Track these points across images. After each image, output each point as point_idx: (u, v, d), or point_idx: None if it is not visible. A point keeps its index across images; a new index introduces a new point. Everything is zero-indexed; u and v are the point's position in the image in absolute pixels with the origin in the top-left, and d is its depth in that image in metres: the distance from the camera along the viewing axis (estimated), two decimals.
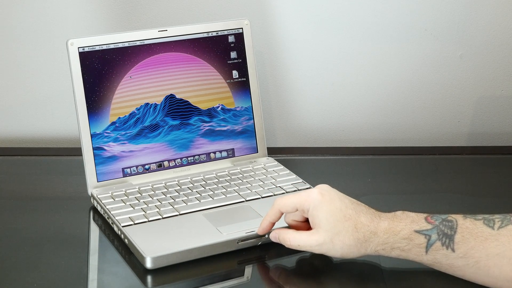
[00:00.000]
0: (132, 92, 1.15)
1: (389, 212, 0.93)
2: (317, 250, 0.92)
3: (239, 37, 1.22)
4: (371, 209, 0.93)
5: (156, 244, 0.97)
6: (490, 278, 0.87)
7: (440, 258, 0.89)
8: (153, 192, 1.12)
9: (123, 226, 1.02)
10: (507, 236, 0.86)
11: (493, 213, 0.90)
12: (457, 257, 0.88)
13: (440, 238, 0.88)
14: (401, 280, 0.95)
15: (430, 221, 0.90)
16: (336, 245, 0.91)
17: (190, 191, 1.12)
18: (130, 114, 1.15)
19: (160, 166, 1.17)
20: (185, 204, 1.08)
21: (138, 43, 1.15)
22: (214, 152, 1.21)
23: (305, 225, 0.96)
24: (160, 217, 1.05)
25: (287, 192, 1.12)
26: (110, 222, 1.05)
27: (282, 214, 0.97)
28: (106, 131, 1.14)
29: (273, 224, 0.97)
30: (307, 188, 1.12)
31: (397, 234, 0.90)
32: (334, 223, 0.91)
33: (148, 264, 0.94)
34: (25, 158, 1.33)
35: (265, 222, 0.97)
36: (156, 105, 1.17)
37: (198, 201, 1.09)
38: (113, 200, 1.09)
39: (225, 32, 1.21)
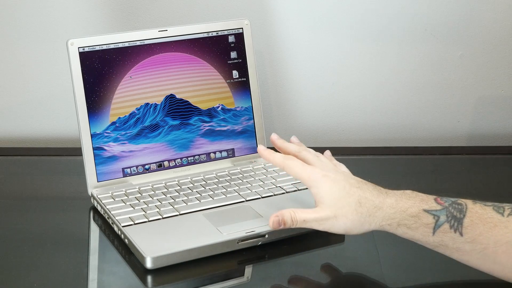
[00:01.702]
0: (132, 92, 1.15)
1: (399, 190, 0.92)
2: (322, 225, 0.92)
3: (239, 37, 1.22)
4: (378, 186, 0.93)
5: (156, 244, 0.97)
6: (497, 265, 0.86)
7: (447, 241, 0.88)
8: (153, 192, 1.12)
9: (123, 226, 1.02)
10: None
11: None
12: (464, 241, 0.87)
13: (449, 220, 0.88)
14: (401, 280, 0.95)
15: (439, 202, 0.90)
16: (340, 220, 0.90)
17: (190, 191, 1.12)
18: (130, 114, 1.16)
19: (160, 166, 1.17)
20: (185, 204, 1.08)
21: (138, 43, 1.15)
22: (214, 152, 1.21)
23: None
24: (160, 217, 1.05)
25: (287, 192, 1.11)
26: (110, 222, 1.05)
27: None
28: (106, 131, 1.14)
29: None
30: (305, 189, 1.12)
31: (405, 211, 0.89)
32: (337, 199, 0.91)
33: (148, 264, 0.94)
34: (25, 158, 1.34)
35: (270, 154, 0.99)
36: (156, 105, 1.17)
37: (198, 201, 1.09)
38: (113, 200, 1.09)
39: (225, 32, 1.21)
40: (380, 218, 0.90)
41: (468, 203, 0.89)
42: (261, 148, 1.01)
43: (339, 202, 0.91)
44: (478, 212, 0.88)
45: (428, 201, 0.90)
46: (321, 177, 0.93)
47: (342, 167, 1.00)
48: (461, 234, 0.87)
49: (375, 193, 0.91)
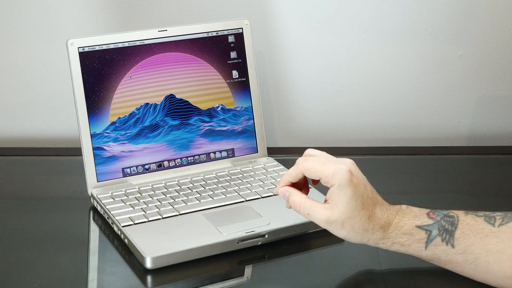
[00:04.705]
0: (132, 92, 1.15)
1: (396, 205, 0.92)
2: (324, 225, 0.90)
3: (239, 37, 1.22)
4: (384, 201, 0.92)
5: (156, 244, 0.97)
6: (489, 275, 0.87)
7: (440, 254, 0.89)
8: (153, 192, 1.11)
9: (123, 226, 1.02)
10: (508, 233, 0.86)
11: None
12: (456, 253, 0.88)
13: (441, 233, 0.88)
14: (401, 280, 0.95)
15: (431, 216, 0.90)
16: (345, 228, 0.89)
17: (190, 191, 1.12)
18: (130, 114, 1.16)
19: (160, 166, 1.17)
20: (185, 204, 1.08)
21: (138, 43, 1.15)
22: (214, 152, 1.21)
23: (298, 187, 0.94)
24: (160, 217, 1.05)
25: None
26: (110, 222, 1.05)
27: (304, 177, 0.93)
28: (106, 131, 1.14)
29: (291, 184, 0.94)
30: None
31: (400, 229, 0.90)
32: (353, 208, 0.89)
33: (148, 264, 0.94)
34: (25, 158, 1.33)
35: (284, 181, 0.94)
36: (156, 105, 1.17)
37: (198, 201, 1.09)
38: (113, 200, 1.09)
39: (225, 32, 1.21)
40: (379, 237, 0.90)
41: (460, 214, 0.90)
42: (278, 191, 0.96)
43: (353, 212, 0.89)
44: (469, 224, 0.88)
45: (421, 217, 0.90)
46: (349, 176, 0.89)
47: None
48: (452, 246, 0.88)
49: (383, 210, 0.90)
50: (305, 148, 0.97)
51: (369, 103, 1.42)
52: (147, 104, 1.16)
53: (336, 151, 1.32)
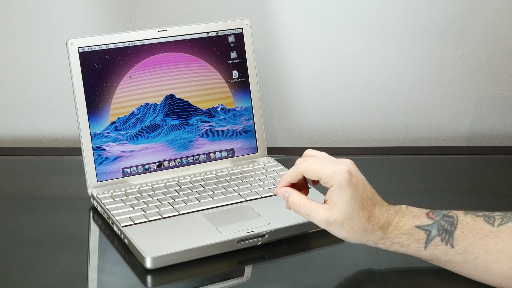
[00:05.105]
0: (132, 92, 1.15)
1: (395, 205, 0.92)
2: (323, 226, 0.90)
3: (239, 37, 1.22)
4: (383, 201, 0.92)
5: (156, 244, 0.97)
6: (489, 275, 0.87)
7: (439, 254, 0.89)
8: (153, 192, 1.12)
9: (123, 226, 1.02)
10: (507, 233, 0.87)
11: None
12: (456, 253, 0.88)
13: (440, 233, 0.88)
14: (401, 280, 0.95)
15: (431, 216, 0.90)
16: (344, 229, 0.89)
17: (190, 191, 1.12)
18: (130, 114, 1.16)
19: (160, 166, 1.17)
20: (185, 204, 1.08)
21: (138, 43, 1.15)
22: (214, 152, 1.21)
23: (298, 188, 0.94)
24: (160, 217, 1.05)
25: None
26: (110, 222, 1.05)
27: (303, 177, 0.93)
28: (106, 131, 1.14)
29: (291, 185, 0.94)
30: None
31: (399, 229, 0.90)
32: (352, 209, 0.89)
33: (148, 264, 0.94)
34: (25, 158, 1.34)
35: (283, 182, 0.94)
36: (156, 105, 1.17)
37: (198, 201, 1.09)
38: (113, 200, 1.09)
39: (225, 32, 1.21)
40: (378, 237, 0.91)
41: (459, 215, 0.90)
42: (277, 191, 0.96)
43: (352, 212, 0.89)
44: (468, 224, 0.88)
45: (420, 217, 0.90)
46: (348, 176, 0.89)
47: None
48: (452, 246, 0.88)
49: (382, 211, 0.91)
50: (305, 148, 0.97)
51: (369, 103, 1.42)
52: (147, 104, 1.16)
53: (336, 151, 1.33)
